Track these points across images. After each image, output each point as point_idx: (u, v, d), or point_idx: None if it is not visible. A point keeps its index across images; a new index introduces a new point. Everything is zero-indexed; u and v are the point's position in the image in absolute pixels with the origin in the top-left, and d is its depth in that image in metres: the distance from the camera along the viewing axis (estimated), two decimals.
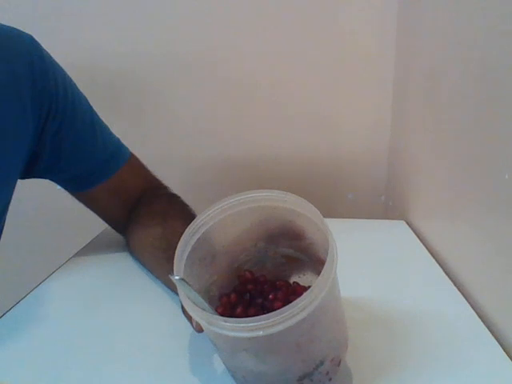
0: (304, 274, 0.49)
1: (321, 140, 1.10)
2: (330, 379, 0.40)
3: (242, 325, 0.34)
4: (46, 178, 0.67)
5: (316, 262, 0.40)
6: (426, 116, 0.83)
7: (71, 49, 1.02)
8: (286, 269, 0.49)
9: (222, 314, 0.43)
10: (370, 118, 1.08)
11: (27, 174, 0.63)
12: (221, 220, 0.44)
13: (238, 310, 0.44)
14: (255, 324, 0.33)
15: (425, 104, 0.84)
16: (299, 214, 0.41)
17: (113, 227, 0.76)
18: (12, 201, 0.61)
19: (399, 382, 0.44)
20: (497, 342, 0.49)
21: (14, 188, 0.60)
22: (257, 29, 1.03)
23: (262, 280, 0.48)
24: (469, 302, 0.57)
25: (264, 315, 0.33)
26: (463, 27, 0.64)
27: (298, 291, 0.45)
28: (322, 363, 0.38)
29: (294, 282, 0.48)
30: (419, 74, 0.87)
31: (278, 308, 0.34)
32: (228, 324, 0.35)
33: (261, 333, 0.33)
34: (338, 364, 0.41)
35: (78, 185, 0.69)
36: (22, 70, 0.56)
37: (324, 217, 0.40)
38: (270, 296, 0.45)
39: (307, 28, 1.02)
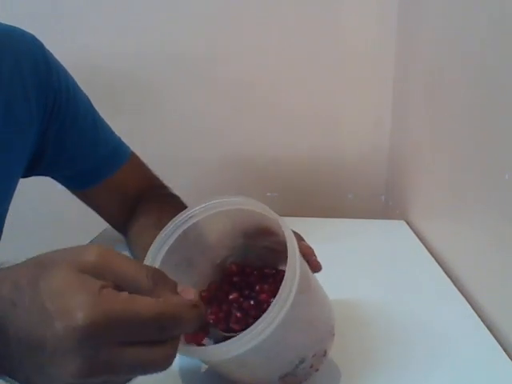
0: None
1: (321, 140, 1.10)
2: (317, 370, 0.41)
3: (199, 352, 0.35)
4: (47, 176, 0.67)
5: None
6: (426, 117, 0.83)
7: (71, 49, 1.02)
8: (269, 258, 0.49)
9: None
10: (370, 119, 1.08)
11: (30, 172, 0.63)
12: (189, 228, 0.43)
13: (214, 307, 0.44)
14: (212, 352, 0.34)
15: (425, 105, 0.84)
16: (264, 215, 0.41)
17: (113, 226, 0.76)
18: (12, 201, 0.61)
19: (398, 380, 0.44)
20: (497, 342, 0.49)
21: (16, 185, 0.60)
22: (257, 29, 1.03)
23: (248, 271, 0.47)
24: (468, 302, 0.57)
25: (220, 344, 0.34)
26: (463, 26, 0.65)
27: None
28: (302, 362, 0.38)
29: (281, 270, 0.47)
30: (419, 75, 0.87)
31: (264, 299, 0.36)
32: (187, 351, 0.36)
33: (220, 358, 0.34)
34: (324, 354, 0.41)
35: (79, 182, 0.69)
36: (27, 68, 0.57)
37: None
38: (257, 287, 0.45)
39: (308, 28, 1.02)
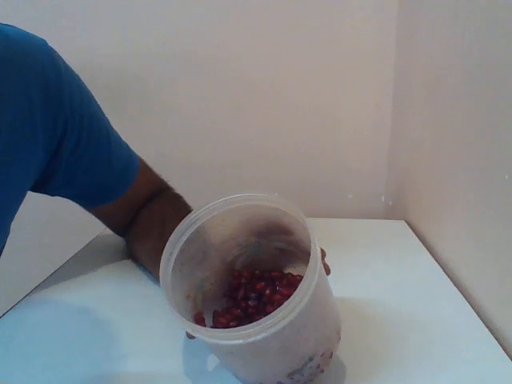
0: (299, 265, 0.49)
1: (321, 140, 1.10)
2: (322, 371, 0.41)
3: (222, 334, 0.35)
4: (58, 195, 0.64)
5: (308, 255, 0.41)
6: (426, 116, 0.83)
7: (71, 49, 1.02)
8: (280, 260, 0.50)
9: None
10: (370, 119, 1.08)
11: (37, 190, 0.61)
12: (208, 220, 0.44)
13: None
14: (235, 334, 0.35)
15: (425, 104, 0.84)
16: (285, 212, 0.42)
17: (114, 231, 0.75)
18: None
19: (396, 378, 0.44)
20: (497, 342, 0.49)
21: (19, 203, 0.57)
22: (258, 29, 1.03)
23: (257, 275, 0.48)
24: (469, 302, 0.58)
25: (244, 326, 0.34)
26: (463, 26, 0.64)
27: (294, 282, 0.46)
28: (311, 359, 0.39)
29: (288, 273, 0.48)
30: (419, 75, 0.87)
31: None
32: (209, 333, 0.36)
33: (241, 341, 0.34)
34: (330, 356, 0.41)
35: (91, 201, 0.68)
36: (36, 91, 0.53)
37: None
38: (267, 291, 0.46)
39: (307, 28, 1.02)
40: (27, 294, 0.63)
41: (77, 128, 0.58)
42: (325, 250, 0.46)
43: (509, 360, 0.46)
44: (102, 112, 0.65)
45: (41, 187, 0.60)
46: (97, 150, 0.62)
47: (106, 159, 0.64)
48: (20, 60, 0.51)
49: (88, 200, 0.68)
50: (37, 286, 0.65)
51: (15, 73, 0.51)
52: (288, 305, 0.34)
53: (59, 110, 0.55)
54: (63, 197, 0.66)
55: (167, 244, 0.43)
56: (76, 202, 0.68)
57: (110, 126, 0.66)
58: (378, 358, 0.47)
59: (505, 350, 0.48)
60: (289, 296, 0.35)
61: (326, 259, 0.46)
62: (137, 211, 0.70)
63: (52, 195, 0.63)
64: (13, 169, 0.53)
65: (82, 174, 0.62)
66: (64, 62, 0.58)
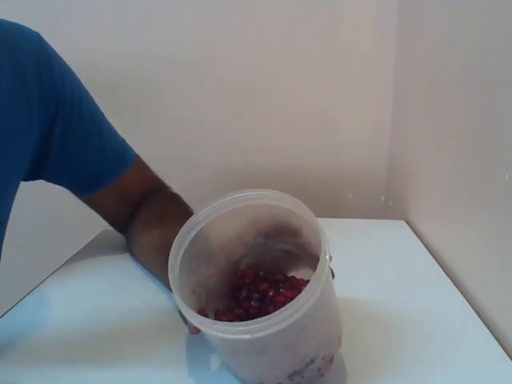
0: (303, 268, 0.49)
1: (321, 140, 1.10)
2: (322, 375, 0.41)
3: (228, 328, 0.35)
4: (52, 181, 0.66)
5: (314, 259, 0.41)
6: (426, 116, 0.83)
7: (71, 49, 1.02)
8: (284, 262, 0.49)
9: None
10: (371, 119, 1.08)
11: (32, 176, 0.62)
12: (217, 217, 0.44)
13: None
14: (242, 328, 0.34)
15: (425, 104, 0.84)
16: (295, 213, 0.41)
17: (114, 227, 0.76)
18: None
19: (396, 378, 0.44)
20: (496, 342, 0.49)
21: (16, 191, 0.59)
22: (257, 29, 1.03)
23: (261, 276, 0.48)
24: (469, 302, 0.58)
25: (251, 320, 0.34)
26: (463, 28, 0.65)
27: (297, 285, 0.46)
28: (312, 361, 0.39)
29: (292, 277, 0.48)
30: (419, 75, 0.87)
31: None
32: (216, 326, 0.36)
33: (248, 336, 0.34)
34: (331, 360, 0.41)
35: (84, 187, 0.68)
36: (30, 71, 0.55)
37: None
38: (271, 293, 0.46)
39: (307, 30, 1.02)
40: (28, 294, 0.63)
41: (68, 109, 0.60)
42: None
43: (509, 360, 0.46)
44: (94, 101, 0.67)
45: (36, 171, 0.62)
46: (88, 134, 0.64)
47: (98, 145, 0.65)
48: (11, 41, 0.55)
49: (81, 186, 0.68)
50: (37, 286, 0.65)
51: (9, 53, 0.54)
52: (296, 302, 0.34)
53: (52, 89, 0.58)
54: (57, 184, 0.67)
55: (177, 237, 0.42)
56: (70, 189, 0.69)
57: (104, 117, 0.68)
58: (378, 357, 0.47)
59: (505, 349, 0.48)
60: (292, 298, 0.35)
61: None
62: (135, 209, 0.71)
63: (47, 180, 0.65)
64: (10, 152, 0.54)
65: (74, 157, 0.63)
66: (53, 49, 0.61)
